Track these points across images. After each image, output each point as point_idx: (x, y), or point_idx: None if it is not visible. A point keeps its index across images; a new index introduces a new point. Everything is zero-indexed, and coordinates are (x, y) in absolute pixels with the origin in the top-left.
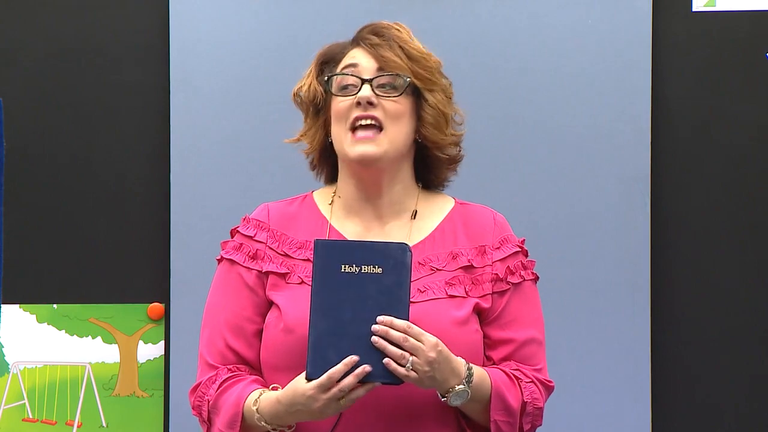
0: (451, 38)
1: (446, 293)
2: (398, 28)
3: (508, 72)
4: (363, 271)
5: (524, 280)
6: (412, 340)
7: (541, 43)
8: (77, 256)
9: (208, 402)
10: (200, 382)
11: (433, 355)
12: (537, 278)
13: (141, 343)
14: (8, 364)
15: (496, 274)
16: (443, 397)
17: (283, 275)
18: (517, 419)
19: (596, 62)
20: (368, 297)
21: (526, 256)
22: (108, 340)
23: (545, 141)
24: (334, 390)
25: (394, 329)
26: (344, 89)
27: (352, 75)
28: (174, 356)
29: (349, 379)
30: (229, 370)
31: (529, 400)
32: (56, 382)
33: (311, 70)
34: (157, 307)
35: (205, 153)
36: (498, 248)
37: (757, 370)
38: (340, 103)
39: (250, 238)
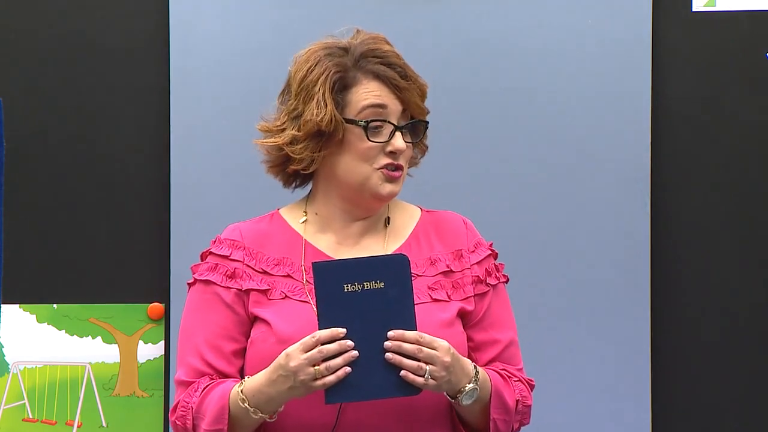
0: (450, 38)
1: (431, 297)
2: (398, 54)
3: (508, 72)
4: (366, 288)
5: (499, 282)
6: (426, 349)
7: (541, 43)
8: (77, 256)
9: (192, 409)
10: (179, 399)
11: (448, 359)
12: (507, 280)
13: (141, 343)
14: (8, 364)
15: (477, 276)
16: (453, 398)
17: (264, 292)
18: (513, 417)
19: (596, 62)
20: (374, 313)
21: (496, 258)
22: (108, 340)
23: (545, 141)
24: (314, 351)
25: (405, 342)
26: (372, 130)
27: (385, 121)
28: (174, 356)
29: (333, 347)
30: (209, 378)
31: (519, 398)
32: (56, 382)
33: (326, 99)
34: (157, 307)
35: (205, 153)
36: (473, 251)
37: (757, 370)
38: (368, 146)
39: (226, 257)
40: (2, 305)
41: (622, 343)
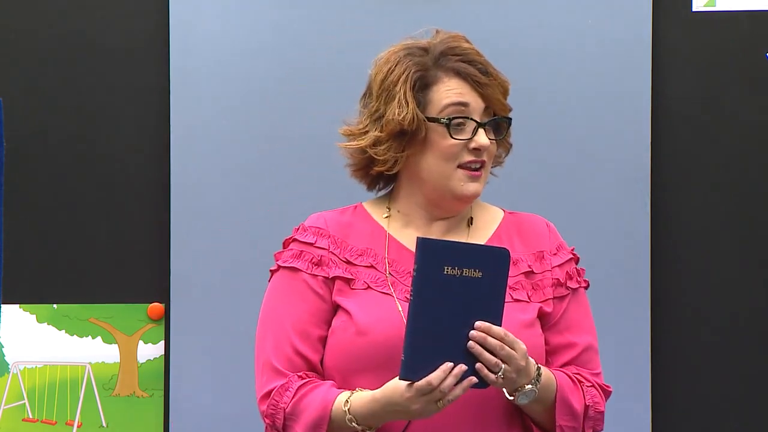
0: None
1: (512, 297)
2: (478, 51)
3: (508, 72)
4: (464, 274)
5: (580, 286)
6: (507, 348)
7: (541, 43)
8: (77, 256)
9: (284, 410)
10: (272, 390)
11: (523, 363)
12: (588, 286)
13: (141, 343)
14: (8, 364)
15: (557, 279)
16: (510, 395)
17: (348, 281)
18: (581, 423)
19: (596, 62)
20: (466, 301)
21: (577, 263)
22: (108, 340)
23: (545, 141)
24: (436, 393)
25: (491, 335)
26: (455, 128)
27: (468, 118)
28: (174, 356)
29: (450, 380)
30: (299, 377)
31: (590, 404)
32: (56, 382)
33: (408, 98)
34: (157, 307)
35: (205, 153)
36: (555, 254)
37: (758, 369)
38: (451, 143)
39: (311, 245)
40: (2, 305)
41: (622, 343)
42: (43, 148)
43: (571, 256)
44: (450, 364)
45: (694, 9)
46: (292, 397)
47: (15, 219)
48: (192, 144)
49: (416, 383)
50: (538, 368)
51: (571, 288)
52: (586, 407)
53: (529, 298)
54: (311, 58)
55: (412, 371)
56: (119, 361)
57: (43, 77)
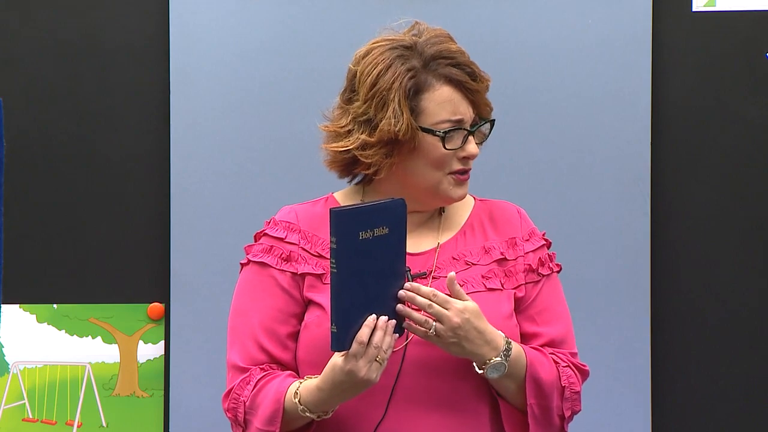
0: None
1: (485, 287)
2: (463, 51)
3: (508, 72)
4: (376, 234)
5: (552, 272)
6: (435, 306)
7: (541, 43)
8: (77, 256)
9: (244, 403)
10: (233, 386)
11: (456, 320)
12: (560, 269)
13: (141, 343)
14: (8, 364)
15: (529, 264)
16: (480, 369)
17: (319, 276)
18: (553, 402)
19: (596, 62)
20: (381, 258)
21: (549, 247)
22: (108, 340)
23: (545, 141)
24: (370, 350)
25: (420, 295)
26: (446, 134)
27: (460, 128)
28: (174, 356)
29: (379, 334)
30: (261, 369)
31: (566, 385)
32: (56, 382)
33: (403, 108)
34: (157, 307)
35: (205, 153)
36: (527, 240)
37: (758, 370)
38: (443, 153)
39: (281, 240)
40: (2, 305)
41: (622, 343)
42: (43, 148)
43: (543, 242)
44: (373, 317)
45: (694, 9)
46: (252, 390)
47: (15, 219)
48: (192, 144)
49: (349, 351)
50: (508, 342)
51: (544, 274)
52: (563, 388)
53: (502, 286)
54: (311, 58)
55: (344, 340)
56: (119, 361)
57: (43, 77)
